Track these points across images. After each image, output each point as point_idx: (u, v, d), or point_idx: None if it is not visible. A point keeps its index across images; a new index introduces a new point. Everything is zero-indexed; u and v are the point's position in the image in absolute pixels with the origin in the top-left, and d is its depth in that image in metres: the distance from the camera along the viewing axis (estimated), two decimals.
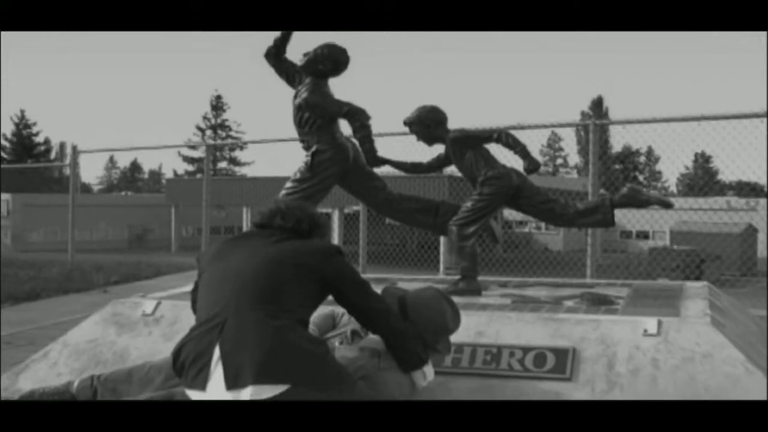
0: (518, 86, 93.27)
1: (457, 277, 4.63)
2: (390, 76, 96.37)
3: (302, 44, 4.86)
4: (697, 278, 13.28)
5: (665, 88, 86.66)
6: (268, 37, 4.91)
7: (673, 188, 50.24)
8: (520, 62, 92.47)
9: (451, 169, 5.13)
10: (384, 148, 4.89)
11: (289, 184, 4.75)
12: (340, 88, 4.85)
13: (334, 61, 4.75)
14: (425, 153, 5.02)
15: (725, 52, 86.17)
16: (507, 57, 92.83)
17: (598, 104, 54.50)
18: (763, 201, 25.67)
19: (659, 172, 53.78)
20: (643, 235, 30.18)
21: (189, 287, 3.19)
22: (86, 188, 54.38)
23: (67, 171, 14.22)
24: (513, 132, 4.66)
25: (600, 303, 4.04)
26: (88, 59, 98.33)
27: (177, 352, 2.61)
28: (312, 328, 3.08)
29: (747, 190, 28.71)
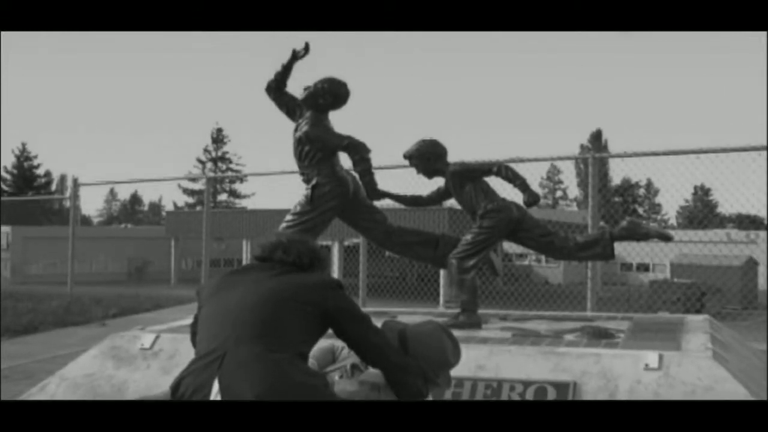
0: (517, 119, 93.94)
1: (457, 310, 4.61)
2: (388, 108, 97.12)
3: (302, 77, 4.92)
4: (698, 311, 13.24)
5: (665, 121, 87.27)
6: (270, 71, 4.97)
7: (673, 221, 50.26)
8: (520, 93, 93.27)
9: (451, 202, 5.14)
10: (384, 181, 4.92)
11: (289, 217, 4.76)
12: (341, 115, 4.90)
13: (334, 94, 4.80)
14: (425, 186, 5.04)
15: (724, 80, 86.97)
16: (505, 90, 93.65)
17: (597, 137, 54.83)
18: (763, 234, 25.73)
19: (659, 205, 53.93)
20: (644, 268, 30.17)
21: (188, 320, 3.19)
22: (86, 220, 54.40)
23: (68, 203, 14.22)
24: (512, 165, 4.69)
25: (601, 336, 4.03)
26: (90, 91, 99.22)
27: (176, 386, 2.59)
28: (312, 361, 3.06)
29: (747, 222, 28.77)
